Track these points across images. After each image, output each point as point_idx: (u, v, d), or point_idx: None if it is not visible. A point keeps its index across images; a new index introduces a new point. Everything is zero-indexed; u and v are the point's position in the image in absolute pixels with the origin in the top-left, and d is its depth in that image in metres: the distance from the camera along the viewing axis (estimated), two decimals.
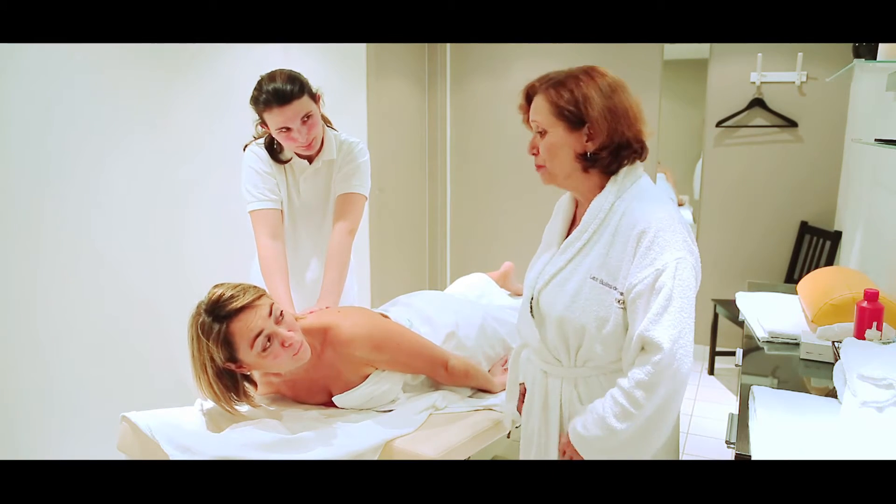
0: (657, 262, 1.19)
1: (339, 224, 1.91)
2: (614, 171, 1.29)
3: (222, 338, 1.42)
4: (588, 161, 1.27)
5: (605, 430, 1.21)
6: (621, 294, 1.23)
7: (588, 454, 1.26)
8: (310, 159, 1.91)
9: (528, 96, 1.33)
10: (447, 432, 1.60)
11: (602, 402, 1.24)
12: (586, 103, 1.24)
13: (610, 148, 1.26)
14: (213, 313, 1.43)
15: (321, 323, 1.61)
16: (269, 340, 1.44)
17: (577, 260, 1.29)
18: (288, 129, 1.74)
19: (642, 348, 1.21)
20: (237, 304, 1.43)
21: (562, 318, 1.28)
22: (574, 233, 1.31)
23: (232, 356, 1.45)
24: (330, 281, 1.86)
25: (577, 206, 1.39)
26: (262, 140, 1.91)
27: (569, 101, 1.24)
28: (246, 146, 1.94)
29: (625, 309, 1.24)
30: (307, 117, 1.75)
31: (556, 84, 1.27)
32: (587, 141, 1.26)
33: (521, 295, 2.61)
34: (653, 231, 1.20)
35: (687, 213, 3.90)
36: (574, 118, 1.25)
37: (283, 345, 1.45)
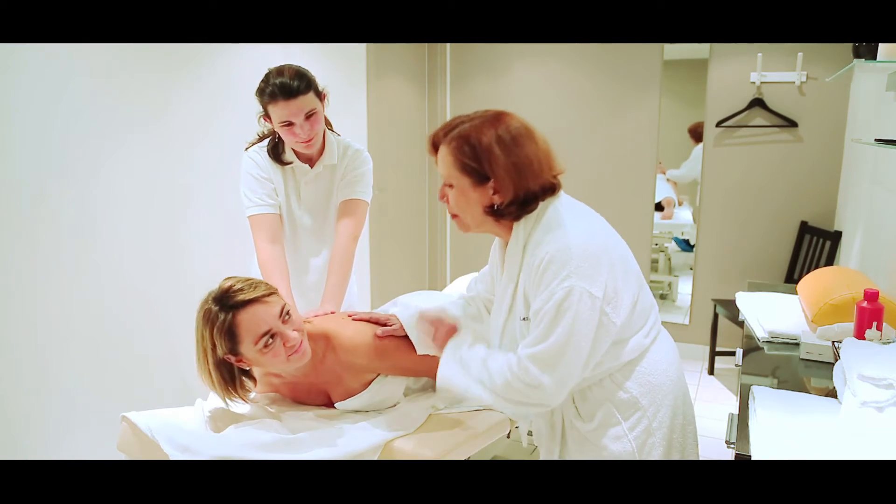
0: (545, 292, 1.20)
1: (344, 229, 1.91)
2: (524, 217, 1.29)
3: (226, 328, 1.41)
4: (496, 214, 1.28)
5: (476, 367, 1.29)
6: None
7: (448, 368, 1.34)
8: (311, 163, 1.90)
9: (434, 145, 1.30)
10: (447, 432, 1.60)
11: (490, 358, 1.30)
12: (489, 160, 1.22)
13: (517, 202, 1.26)
14: (220, 302, 1.42)
15: (323, 329, 1.61)
16: (272, 338, 1.43)
17: (515, 308, 1.32)
18: (291, 123, 1.74)
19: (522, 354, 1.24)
20: (246, 296, 1.42)
21: None
22: (500, 285, 1.35)
23: (233, 348, 1.44)
24: (333, 285, 1.86)
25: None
26: (263, 144, 1.91)
27: (472, 157, 1.23)
28: (248, 147, 1.93)
29: None
30: (311, 114, 1.75)
31: (458, 137, 1.25)
32: (494, 194, 1.26)
33: None
34: (546, 260, 1.21)
35: (686, 214, 3.90)
36: (478, 174, 1.24)
37: (284, 344, 1.45)
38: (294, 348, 1.46)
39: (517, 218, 1.29)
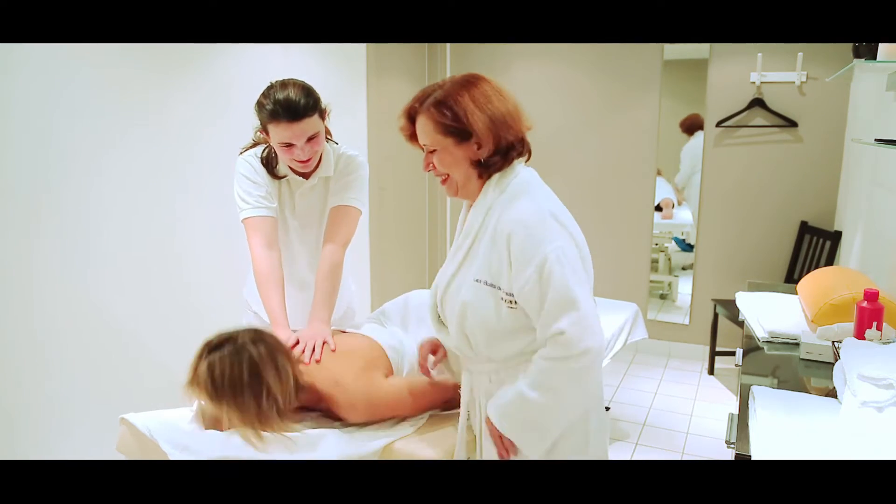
0: (535, 259, 1.23)
1: (332, 238, 1.83)
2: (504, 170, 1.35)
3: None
4: (482, 167, 1.33)
5: (518, 398, 1.29)
6: (508, 294, 1.29)
7: (504, 425, 1.32)
8: (306, 175, 1.85)
9: (411, 117, 1.36)
10: (447, 433, 1.60)
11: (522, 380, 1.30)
12: (468, 117, 1.28)
13: (500, 152, 1.32)
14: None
15: (318, 387, 1.57)
16: None
17: (466, 265, 1.36)
18: (291, 144, 1.69)
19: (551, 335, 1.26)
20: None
21: (459, 322, 1.36)
22: (458, 239, 1.40)
23: None
24: (322, 297, 1.78)
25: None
26: (257, 151, 1.85)
27: (452, 118, 1.29)
28: (242, 152, 1.88)
29: (515, 307, 1.29)
30: (313, 136, 1.70)
31: (436, 103, 1.31)
32: (477, 149, 1.32)
33: None
34: (521, 232, 1.25)
35: (686, 214, 3.90)
36: (461, 133, 1.30)
37: None
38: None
39: (501, 168, 1.34)
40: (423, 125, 1.33)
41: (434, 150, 1.33)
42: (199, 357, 1.44)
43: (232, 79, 2.59)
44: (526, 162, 1.39)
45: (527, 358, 1.32)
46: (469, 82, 1.32)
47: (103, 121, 2.13)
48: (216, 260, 2.58)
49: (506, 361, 1.36)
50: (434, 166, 1.35)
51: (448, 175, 1.36)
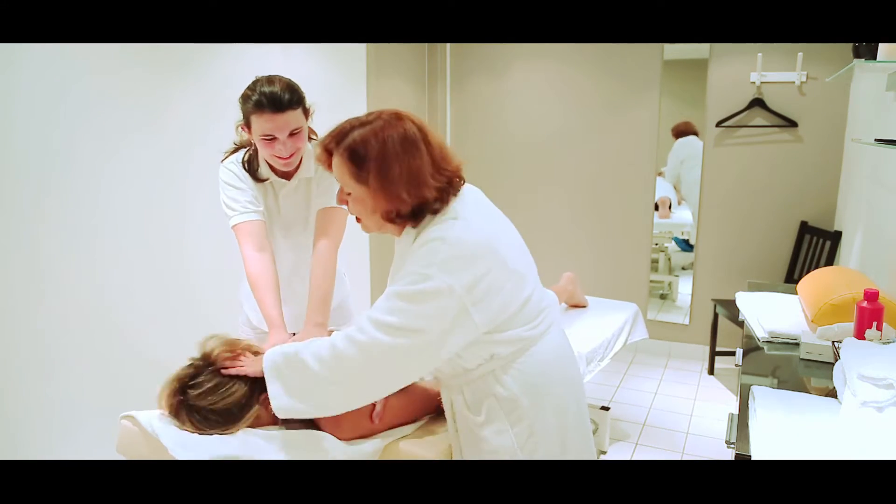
0: (403, 270, 1.22)
1: (323, 239, 1.82)
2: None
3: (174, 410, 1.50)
4: (394, 220, 1.28)
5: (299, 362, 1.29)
6: None
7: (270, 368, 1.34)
8: (288, 176, 1.84)
9: (328, 151, 1.28)
10: (447, 433, 1.59)
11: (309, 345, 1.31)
12: (382, 173, 1.21)
13: (412, 211, 1.25)
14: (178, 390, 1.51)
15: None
16: None
17: None
18: (273, 138, 1.66)
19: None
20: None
21: None
22: (391, 272, 1.40)
23: None
24: (318, 300, 1.77)
25: None
26: (238, 157, 1.83)
27: (365, 168, 1.21)
28: (224, 158, 1.85)
29: None
30: (296, 131, 1.68)
31: (350, 149, 1.22)
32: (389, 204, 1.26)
33: (579, 306, 2.75)
34: (419, 243, 1.23)
35: (686, 214, 3.90)
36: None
37: None
38: None
39: (415, 224, 1.28)
40: (338, 166, 1.26)
41: (349, 193, 1.27)
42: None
43: (232, 79, 2.59)
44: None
45: (492, 366, 1.30)
46: (385, 131, 1.22)
47: (105, 121, 2.13)
48: (220, 259, 2.58)
49: (469, 373, 1.32)
50: (347, 203, 1.29)
51: (360, 218, 1.31)
